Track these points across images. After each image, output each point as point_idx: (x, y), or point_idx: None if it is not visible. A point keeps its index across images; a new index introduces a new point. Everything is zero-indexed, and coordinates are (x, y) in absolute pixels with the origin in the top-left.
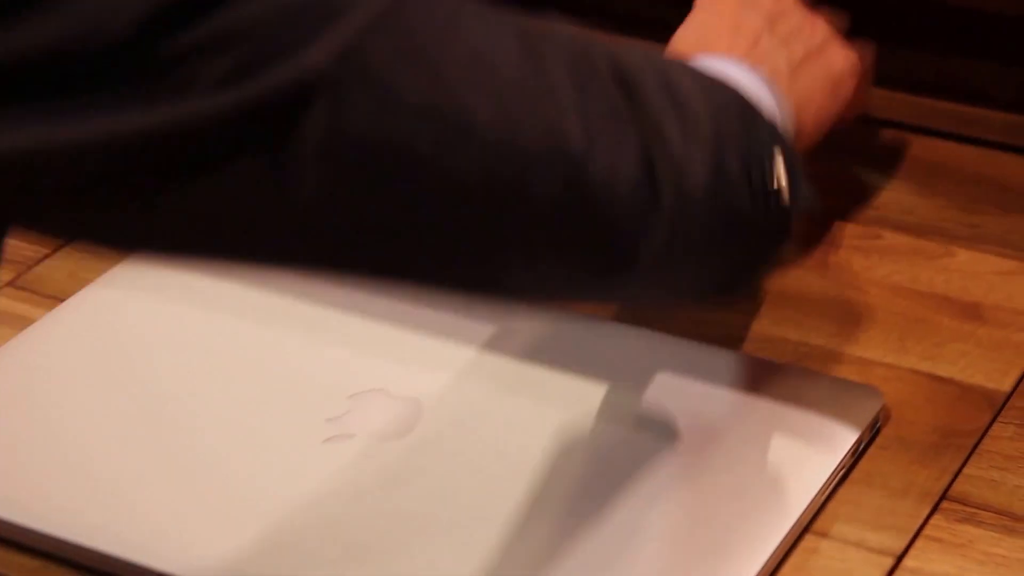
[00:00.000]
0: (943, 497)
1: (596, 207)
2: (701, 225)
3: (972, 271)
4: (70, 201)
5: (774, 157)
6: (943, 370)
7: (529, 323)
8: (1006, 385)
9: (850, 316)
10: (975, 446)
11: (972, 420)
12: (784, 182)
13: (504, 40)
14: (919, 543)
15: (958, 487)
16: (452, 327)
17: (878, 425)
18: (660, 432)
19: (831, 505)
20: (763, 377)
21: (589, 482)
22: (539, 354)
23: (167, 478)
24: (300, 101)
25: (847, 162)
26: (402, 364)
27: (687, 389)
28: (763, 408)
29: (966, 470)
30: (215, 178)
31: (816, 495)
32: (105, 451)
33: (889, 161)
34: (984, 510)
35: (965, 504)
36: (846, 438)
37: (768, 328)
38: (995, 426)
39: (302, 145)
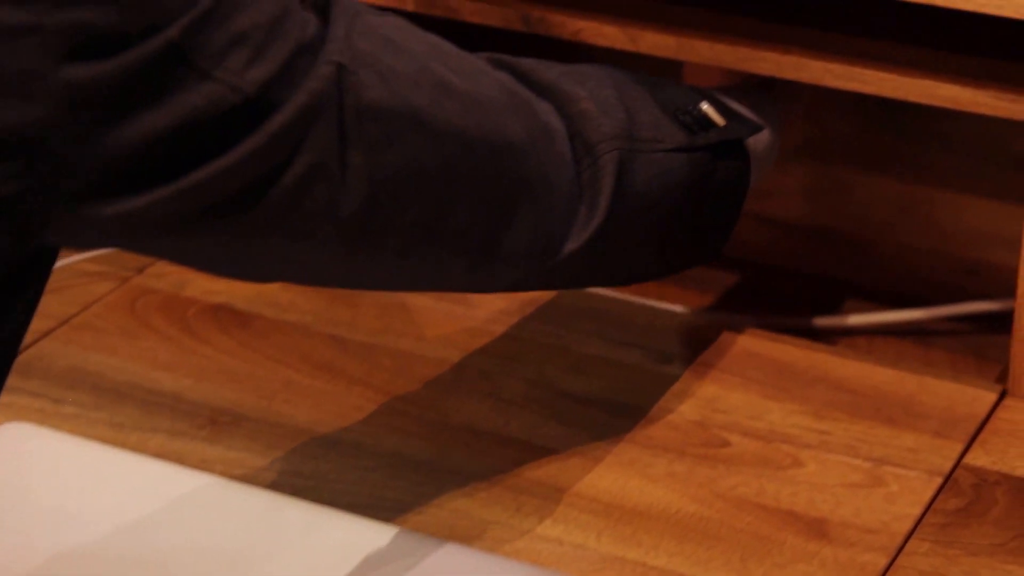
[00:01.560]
0: None
1: (556, 141)
2: (647, 172)
3: (820, 483)
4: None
5: (699, 103)
6: None
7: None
8: None
9: (692, 533)
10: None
11: None
12: (716, 115)
13: (433, 37)
14: None
15: None
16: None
17: None
18: None
19: None
20: None
21: None
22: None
23: None
24: (334, 88)
25: (697, 362)
26: None
27: None
28: None
29: None
30: (294, 174)
31: None
32: None
33: (739, 360)
34: None
35: None
36: None
37: (605, 545)
38: (911, 542)
39: (347, 118)
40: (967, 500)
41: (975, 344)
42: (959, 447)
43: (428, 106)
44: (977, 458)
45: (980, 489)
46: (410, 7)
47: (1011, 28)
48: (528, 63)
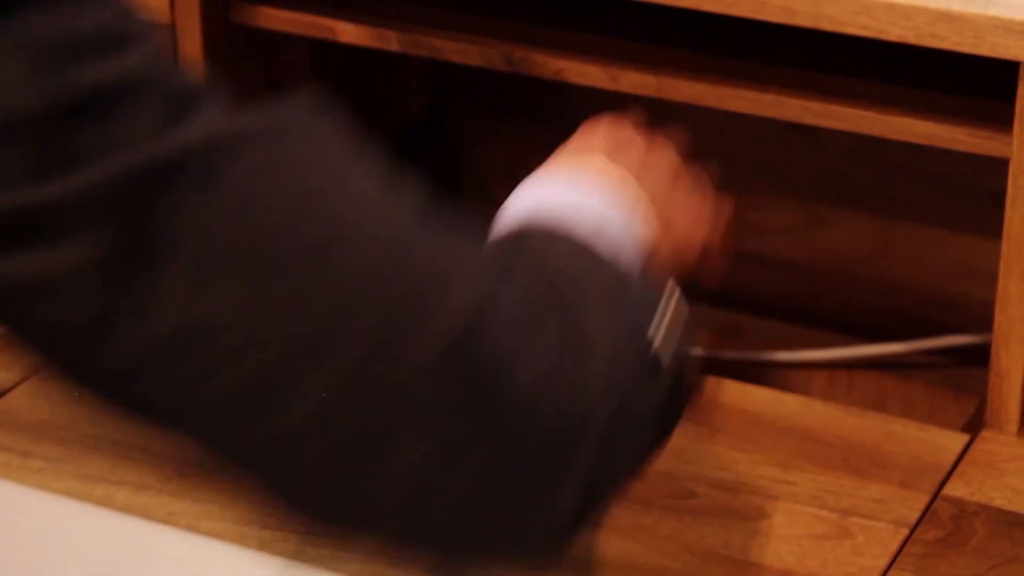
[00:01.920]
0: None
1: (491, 349)
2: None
3: (786, 534)
4: None
5: (649, 333)
6: None
7: None
8: None
9: None
10: None
11: None
12: (665, 343)
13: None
14: None
15: None
16: None
17: None
18: None
19: None
20: None
21: None
22: None
23: None
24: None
25: None
26: None
27: None
28: None
29: None
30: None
31: None
32: None
33: (707, 411)
34: None
35: None
36: None
37: None
38: (891, 572)
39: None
40: (946, 531)
41: (954, 377)
42: (925, 498)
43: (315, 239)
44: (956, 489)
45: (959, 520)
46: (394, 47)
47: (986, 66)
48: (558, 266)
